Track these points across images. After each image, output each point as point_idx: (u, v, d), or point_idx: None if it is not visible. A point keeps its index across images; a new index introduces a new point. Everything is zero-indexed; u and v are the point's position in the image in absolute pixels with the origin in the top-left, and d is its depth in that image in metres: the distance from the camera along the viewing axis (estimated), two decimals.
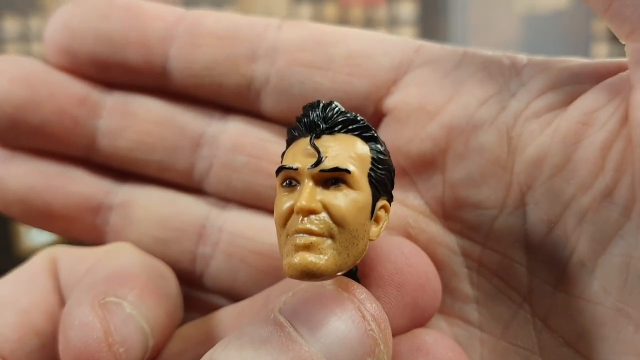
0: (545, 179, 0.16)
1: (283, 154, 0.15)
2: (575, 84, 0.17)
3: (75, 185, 0.20)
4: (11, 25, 1.54)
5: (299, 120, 0.15)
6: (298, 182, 0.14)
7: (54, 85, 0.20)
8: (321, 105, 0.15)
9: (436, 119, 0.18)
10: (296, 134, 0.15)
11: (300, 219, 0.14)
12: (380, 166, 0.15)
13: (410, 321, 0.16)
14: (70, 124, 0.20)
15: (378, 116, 0.19)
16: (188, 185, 0.20)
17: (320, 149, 0.14)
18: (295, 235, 0.14)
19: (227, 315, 0.19)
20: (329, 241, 0.14)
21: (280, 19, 0.20)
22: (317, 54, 0.19)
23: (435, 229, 0.18)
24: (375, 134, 0.15)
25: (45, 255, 0.19)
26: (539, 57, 0.18)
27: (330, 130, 0.15)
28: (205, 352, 0.15)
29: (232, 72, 0.19)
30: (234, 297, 0.20)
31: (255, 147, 0.20)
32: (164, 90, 0.20)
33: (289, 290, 0.15)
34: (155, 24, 0.20)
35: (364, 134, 0.15)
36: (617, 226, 0.16)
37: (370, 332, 0.14)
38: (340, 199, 0.14)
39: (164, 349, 0.18)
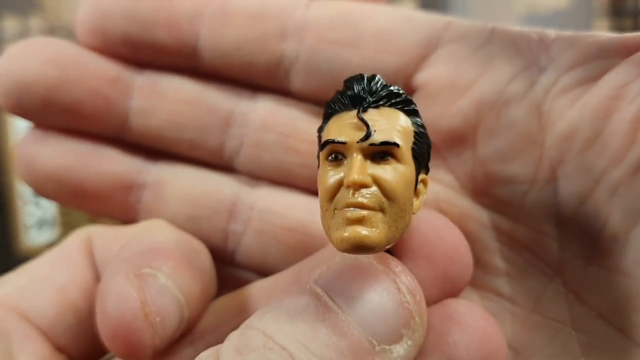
0: (576, 154, 0.17)
1: (321, 128, 0.15)
2: (604, 58, 0.17)
3: (108, 164, 0.20)
4: (11, 25, 1.54)
5: (341, 93, 0.15)
6: (345, 156, 0.14)
7: (85, 66, 0.20)
8: (365, 78, 0.15)
9: (466, 95, 0.18)
10: (337, 108, 0.15)
11: (351, 193, 0.14)
12: (421, 140, 0.15)
13: (441, 293, 0.17)
14: (102, 103, 0.20)
15: (408, 92, 0.19)
16: (219, 163, 0.21)
17: (369, 123, 0.14)
18: (346, 209, 0.14)
19: (259, 288, 0.19)
20: (379, 215, 0.14)
21: None
22: (346, 31, 0.19)
23: (466, 204, 0.18)
24: (416, 108, 0.15)
25: (81, 235, 0.19)
26: (568, 32, 0.18)
27: (376, 104, 0.15)
28: (240, 324, 0.15)
29: (261, 51, 0.20)
30: (265, 273, 0.20)
31: (285, 125, 0.20)
32: (194, 70, 0.20)
33: (321, 264, 0.16)
34: (184, 4, 0.20)
35: (406, 108, 0.15)
36: None
37: (406, 304, 0.14)
38: (390, 172, 0.14)
39: (199, 322, 0.18)
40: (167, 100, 0.20)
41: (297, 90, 0.20)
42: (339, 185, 0.14)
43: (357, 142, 0.14)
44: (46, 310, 0.18)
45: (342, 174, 0.14)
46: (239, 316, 0.18)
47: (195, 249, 0.19)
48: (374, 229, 0.14)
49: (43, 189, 0.20)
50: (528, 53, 0.18)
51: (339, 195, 0.14)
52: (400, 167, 0.14)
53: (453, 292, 0.17)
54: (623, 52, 0.17)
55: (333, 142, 0.14)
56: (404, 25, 0.19)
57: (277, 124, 0.20)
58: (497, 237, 0.18)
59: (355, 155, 0.14)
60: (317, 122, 0.20)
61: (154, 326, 0.16)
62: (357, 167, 0.14)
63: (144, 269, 0.17)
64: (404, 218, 0.14)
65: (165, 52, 0.20)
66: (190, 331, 0.18)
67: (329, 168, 0.14)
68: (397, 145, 0.14)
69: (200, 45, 0.20)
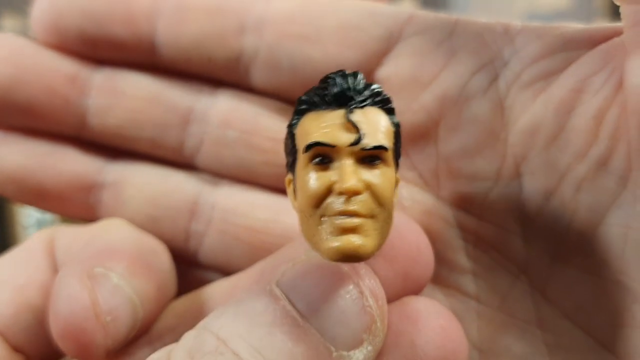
0: (540, 149, 0.16)
1: (292, 124, 0.15)
2: (569, 50, 0.16)
3: (67, 163, 0.20)
4: (10, 24, 1.55)
5: (321, 90, 0.14)
6: (332, 159, 0.13)
7: (42, 64, 0.20)
8: (349, 76, 0.14)
9: (428, 90, 0.18)
10: (315, 104, 0.14)
11: (343, 200, 0.13)
12: (398, 139, 0.14)
13: (401, 291, 0.16)
14: (59, 102, 0.20)
15: None
16: (180, 161, 0.20)
17: (358, 125, 0.13)
18: (338, 216, 0.13)
19: (219, 288, 0.19)
20: (370, 222, 0.13)
21: None
22: (307, 26, 0.19)
23: (429, 201, 0.18)
24: (394, 106, 0.14)
25: (43, 234, 0.19)
26: (534, 24, 0.17)
27: (362, 104, 0.14)
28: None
29: (220, 46, 0.19)
30: (228, 272, 0.19)
31: (246, 122, 0.19)
32: (152, 66, 0.20)
33: (284, 262, 0.15)
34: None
35: (385, 106, 0.14)
36: (613, 196, 0.15)
37: (368, 308, 0.14)
38: (380, 177, 0.13)
39: (156, 322, 0.18)
40: (125, 97, 0.20)
41: (258, 86, 0.20)
42: (327, 190, 0.13)
43: (348, 146, 0.13)
44: (3, 310, 0.17)
45: (330, 179, 0.13)
46: (198, 317, 0.18)
47: (153, 249, 0.18)
48: (367, 238, 0.13)
49: (4, 190, 0.20)
50: (492, 46, 0.17)
51: (327, 202, 0.13)
52: (387, 171, 0.14)
53: (414, 290, 0.16)
54: (588, 43, 0.16)
55: (321, 144, 0.13)
56: (365, 19, 0.19)
57: (238, 121, 0.19)
58: (462, 234, 0.18)
59: (345, 159, 0.13)
60: (279, 119, 0.19)
61: (105, 326, 0.16)
62: (351, 173, 0.13)
63: (96, 268, 0.16)
64: (389, 223, 0.14)
65: (122, 49, 0.20)
66: (147, 332, 0.18)
67: (314, 171, 0.13)
68: (387, 149, 0.13)
69: (158, 41, 0.19)
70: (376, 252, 0.13)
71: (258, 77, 0.19)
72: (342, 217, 0.13)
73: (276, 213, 0.19)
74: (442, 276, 0.18)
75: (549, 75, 0.16)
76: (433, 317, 0.16)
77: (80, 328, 0.16)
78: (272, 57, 0.19)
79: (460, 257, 0.18)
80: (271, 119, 0.19)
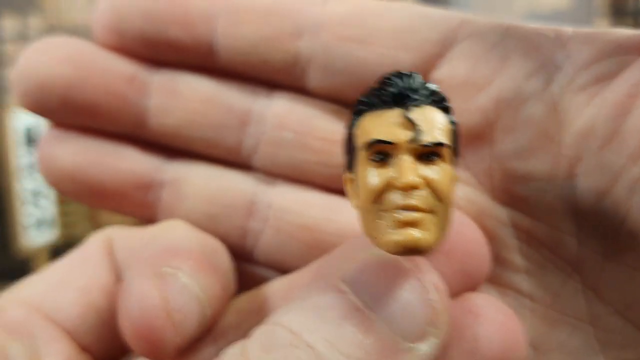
0: (595, 151, 0.17)
1: (351, 125, 0.15)
2: (622, 55, 0.17)
3: (126, 162, 0.20)
4: (10, 24, 1.54)
5: (379, 90, 0.15)
6: (391, 156, 0.14)
7: (102, 65, 0.20)
8: (405, 75, 0.15)
9: (484, 92, 0.18)
10: (373, 105, 0.15)
11: (403, 195, 0.14)
12: (457, 138, 0.15)
13: (460, 288, 0.17)
14: (119, 102, 0.20)
15: None
16: (236, 161, 0.21)
17: (417, 123, 0.14)
18: (398, 211, 0.13)
19: (279, 287, 0.19)
20: (430, 216, 0.14)
21: None
22: (363, 29, 0.19)
23: (484, 201, 0.18)
24: (451, 105, 0.15)
25: (101, 236, 0.19)
26: (585, 29, 0.18)
27: (419, 102, 0.14)
28: (261, 321, 0.15)
29: (276, 49, 0.20)
30: (284, 270, 0.20)
31: (301, 123, 0.20)
32: (210, 68, 0.20)
33: (342, 261, 0.16)
34: (199, 2, 0.20)
35: (443, 105, 0.15)
36: None
37: (431, 301, 0.15)
38: (439, 173, 0.14)
39: (220, 320, 0.18)
40: (184, 98, 0.20)
41: (313, 88, 0.20)
42: (387, 186, 0.14)
43: (407, 143, 0.14)
44: (70, 311, 0.18)
45: (389, 175, 0.14)
46: (260, 314, 0.18)
47: (214, 248, 0.19)
48: (427, 231, 0.13)
49: (63, 188, 0.20)
50: (544, 50, 0.18)
51: (387, 197, 0.14)
52: (446, 167, 0.14)
53: (471, 286, 0.17)
54: None
55: (380, 141, 0.14)
56: (420, 22, 0.19)
57: (293, 122, 0.20)
58: (516, 234, 0.18)
59: (404, 156, 0.14)
60: (334, 120, 0.20)
61: (175, 324, 0.16)
62: (409, 168, 0.14)
63: (164, 268, 0.17)
64: (449, 218, 0.14)
65: (181, 51, 0.20)
66: (211, 330, 0.18)
67: (373, 168, 0.14)
68: (444, 145, 0.14)
69: (216, 43, 0.20)
70: (436, 247, 0.14)
71: (313, 79, 0.20)
72: (402, 211, 0.13)
73: (330, 212, 0.20)
74: (495, 274, 0.18)
75: (603, 80, 0.17)
76: (494, 312, 0.16)
77: (151, 326, 0.16)
78: (327, 59, 0.19)
79: (514, 255, 0.18)
80: (325, 120, 0.20)
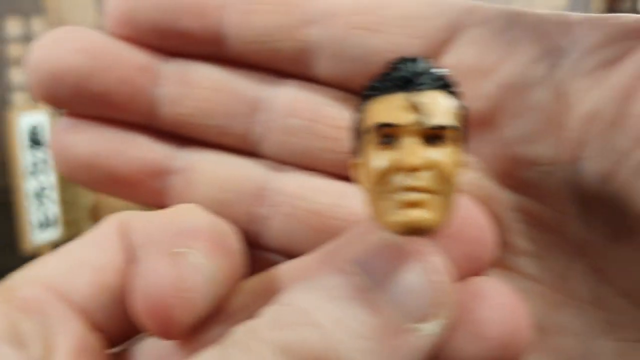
0: (599, 134, 0.17)
1: (360, 109, 0.15)
2: (627, 39, 0.17)
3: (139, 150, 0.21)
4: (14, 26, 1.55)
5: (386, 74, 0.15)
6: (397, 139, 0.14)
7: (115, 55, 0.20)
8: (412, 60, 0.15)
9: (490, 78, 0.18)
10: (381, 89, 0.15)
11: (407, 177, 0.14)
12: (464, 122, 0.15)
13: (467, 271, 0.17)
14: (132, 91, 0.20)
15: None
16: (246, 149, 0.21)
17: (422, 106, 0.14)
18: (403, 192, 0.14)
19: (288, 269, 0.19)
20: (435, 197, 0.14)
21: None
22: (371, 17, 0.19)
23: (490, 186, 0.19)
24: (459, 90, 0.15)
25: (115, 219, 0.20)
26: (592, 15, 0.18)
27: (425, 86, 0.15)
28: (269, 303, 0.15)
29: (286, 38, 0.20)
30: (293, 255, 0.20)
31: (311, 111, 0.20)
32: (220, 57, 0.21)
33: (351, 244, 0.16)
34: None
35: (450, 89, 0.15)
36: None
37: (437, 283, 0.15)
38: (444, 155, 0.14)
39: (230, 301, 0.18)
40: (195, 87, 0.21)
41: (322, 76, 0.20)
42: (393, 168, 0.14)
43: (411, 125, 0.14)
44: (83, 290, 0.18)
45: (395, 157, 0.14)
46: (269, 295, 0.18)
47: (226, 230, 0.19)
48: (430, 212, 0.14)
49: (76, 176, 0.21)
50: (550, 36, 0.18)
51: (392, 178, 0.14)
52: (451, 150, 0.14)
53: (477, 270, 0.17)
54: None
55: (386, 124, 0.14)
56: (427, 9, 0.19)
57: (303, 110, 0.20)
58: (522, 218, 0.18)
59: (409, 138, 0.14)
60: (343, 108, 0.20)
61: (187, 302, 0.16)
62: (414, 150, 0.14)
63: (178, 249, 0.17)
64: (454, 200, 0.14)
65: (192, 40, 0.20)
66: (221, 310, 0.18)
67: (380, 151, 0.14)
68: (450, 127, 0.14)
69: (226, 33, 0.20)
70: (440, 228, 0.14)
71: (323, 67, 0.20)
72: (407, 192, 0.14)
73: (339, 198, 0.20)
74: (501, 258, 0.19)
75: (609, 64, 0.17)
76: (498, 295, 0.16)
77: (165, 304, 0.16)
78: (337, 48, 0.20)
79: (520, 240, 0.19)
80: (335, 108, 0.20)
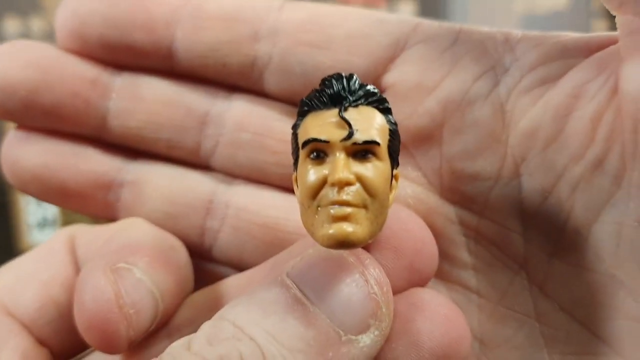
0: (539, 151, 0.17)
1: (296, 125, 0.16)
2: (566, 58, 0.17)
3: (88, 163, 0.21)
4: (12, 25, 1.55)
5: (319, 91, 0.15)
6: (326, 154, 0.15)
7: (65, 68, 0.20)
8: (344, 77, 0.15)
9: (433, 95, 0.19)
10: (314, 105, 0.15)
11: (336, 191, 0.14)
12: (394, 137, 0.15)
13: (407, 283, 0.17)
14: (82, 105, 0.21)
15: None
16: (195, 162, 0.21)
17: (351, 122, 0.15)
18: (331, 206, 0.14)
19: (235, 282, 0.20)
20: (363, 211, 0.14)
21: (282, 1, 0.20)
22: (318, 34, 0.20)
23: (433, 200, 0.19)
24: (390, 106, 0.16)
25: (64, 233, 0.20)
26: (533, 33, 0.18)
27: (355, 103, 0.15)
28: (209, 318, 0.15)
29: (235, 53, 0.20)
30: (242, 268, 0.20)
31: (259, 125, 0.20)
32: (170, 71, 0.21)
33: (294, 256, 0.16)
34: (160, 8, 0.20)
35: (381, 106, 0.15)
36: (608, 194, 0.16)
37: (373, 295, 0.15)
38: (372, 170, 0.14)
39: (175, 315, 0.19)
40: (145, 101, 0.21)
41: (271, 90, 0.20)
42: (322, 182, 0.14)
43: (341, 141, 0.14)
44: (29, 305, 0.18)
45: (325, 172, 0.14)
46: (215, 309, 0.18)
47: (171, 246, 0.19)
48: (358, 226, 0.14)
49: (27, 188, 0.21)
50: (494, 53, 0.18)
51: (322, 193, 0.14)
52: (379, 165, 0.15)
53: (419, 282, 0.17)
54: (585, 51, 0.17)
55: (316, 140, 0.15)
56: (373, 28, 0.19)
57: (252, 124, 0.20)
58: (464, 231, 0.19)
59: (338, 154, 0.14)
60: (291, 122, 0.20)
61: (128, 318, 0.17)
62: (342, 165, 0.14)
63: (120, 263, 0.17)
64: (383, 213, 0.15)
65: (142, 55, 0.21)
66: (166, 324, 0.19)
67: (311, 166, 0.15)
68: (378, 143, 0.15)
69: (176, 47, 0.20)
70: (369, 240, 0.14)
71: (271, 82, 0.20)
72: (335, 206, 0.14)
73: (287, 211, 0.20)
74: (444, 271, 0.19)
75: (548, 82, 0.17)
76: (438, 307, 0.16)
77: (104, 320, 0.16)
78: (284, 63, 0.20)
79: (462, 253, 0.19)
80: (283, 122, 0.20)
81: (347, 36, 0.20)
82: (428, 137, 0.19)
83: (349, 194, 0.14)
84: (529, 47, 0.18)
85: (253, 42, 0.20)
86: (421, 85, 0.19)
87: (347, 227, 0.14)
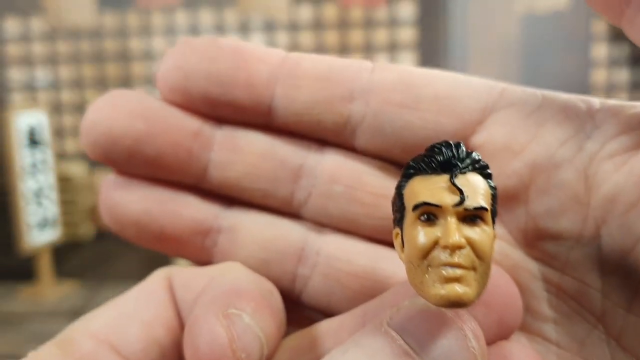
0: (619, 214, 0.18)
1: (400, 186, 0.17)
2: None
3: (187, 209, 0.22)
4: (12, 25, 1.54)
5: (428, 157, 0.16)
6: (437, 217, 0.16)
7: (169, 120, 0.21)
8: (453, 146, 0.16)
9: (520, 157, 0.20)
10: (422, 170, 0.16)
11: (448, 253, 0.15)
12: (495, 201, 0.16)
13: (496, 336, 0.18)
14: (184, 155, 0.21)
15: None
16: (288, 211, 0.22)
17: (462, 189, 0.15)
18: (443, 267, 0.15)
19: (327, 327, 0.20)
20: (472, 273, 0.15)
21: (373, 63, 0.21)
22: (408, 95, 0.21)
23: (518, 256, 0.20)
24: (491, 172, 0.17)
25: (161, 273, 0.21)
26: (612, 101, 0.19)
27: (464, 170, 0.16)
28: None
29: (330, 111, 0.21)
30: (329, 314, 0.21)
31: (351, 178, 0.21)
32: (267, 126, 0.22)
33: (387, 306, 0.17)
34: (260, 66, 0.21)
35: (484, 172, 0.16)
36: None
37: (472, 349, 0.16)
38: (480, 235, 0.15)
39: (273, 358, 0.20)
40: (243, 153, 0.22)
41: (362, 146, 0.21)
42: (433, 244, 0.15)
43: (453, 207, 0.15)
44: (134, 344, 0.19)
45: (436, 234, 0.15)
46: (309, 353, 0.20)
47: (270, 290, 0.20)
48: (469, 287, 0.15)
49: (125, 232, 0.22)
50: (576, 120, 0.19)
51: (434, 254, 0.15)
52: (486, 229, 0.16)
53: (505, 335, 0.19)
54: None
55: (429, 204, 0.15)
56: (462, 90, 0.21)
57: (343, 177, 0.21)
58: (546, 287, 0.20)
59: (449, 218, 0.15)
60: (381, 176, 0.21)
61: None
62: (455, 229, 0.15)
63: (230, 309, 0.18)
64: (488, 274, 0.16)
65: (242, 110, 0.21)
66: None
67: (421, 227, 0.16)
68: (486, 209, 0.16)
69: (275, 104, 0.21)
70: (476, 300, 0.15)
71: (362, 139, 0.21)
72: (447, 267, 0.15)
73: (375, 261, 0.21)
74: (526, 323, 0.20)
75: (629, 150, 0.18)
76: (525, 358, 0.18)
77: None
78: (376, 122, 0.21)
79: (543, 306, 0.20)
80: (373, 176, 0.21)
81: (435, 97, 0.21)
82: (514, 197, 0.20)
83: (460, 256, 0.15)
84: (608, 116, 0.19)
85: (347, 102, 0.21)
86: (509, 148, 0.20)
87: (459, 289, 0.15)
